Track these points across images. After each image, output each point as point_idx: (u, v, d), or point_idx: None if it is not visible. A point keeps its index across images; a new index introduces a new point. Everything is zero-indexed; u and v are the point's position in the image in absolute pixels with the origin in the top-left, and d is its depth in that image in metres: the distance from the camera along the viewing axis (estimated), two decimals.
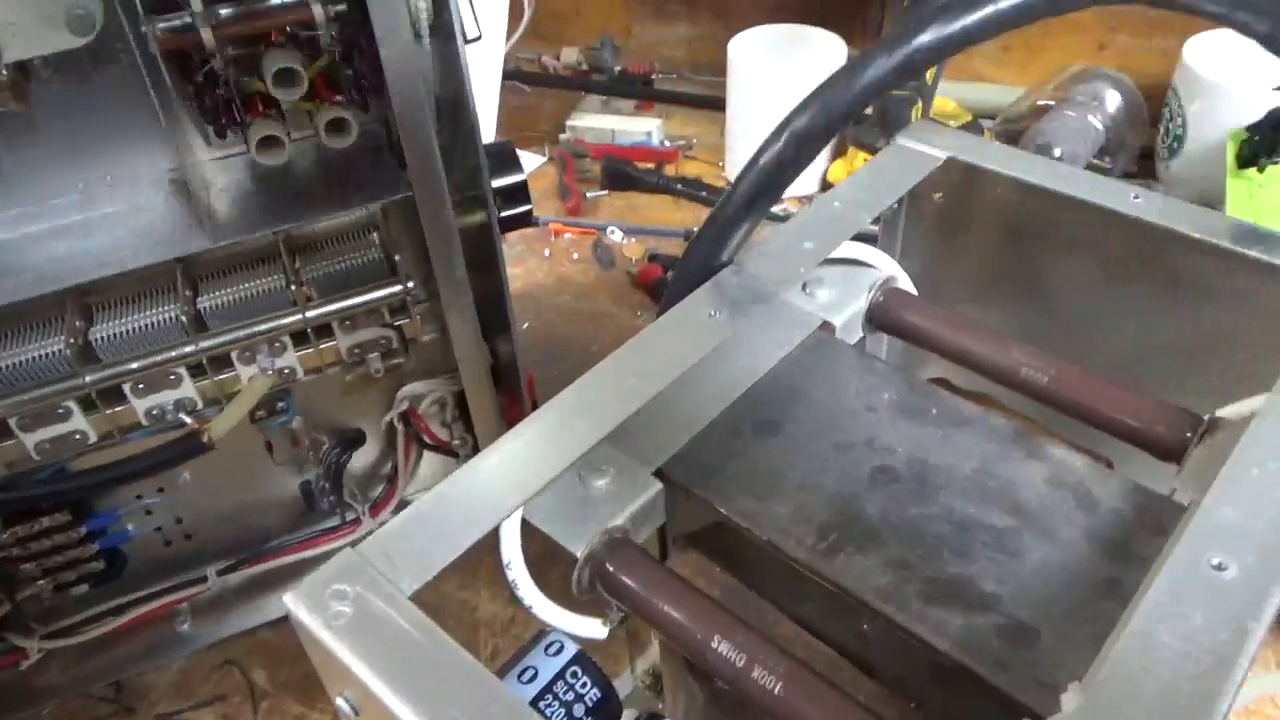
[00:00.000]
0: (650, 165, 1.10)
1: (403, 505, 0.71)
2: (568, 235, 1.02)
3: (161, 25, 0.44)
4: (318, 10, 0.46)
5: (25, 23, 0.43)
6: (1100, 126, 0.97)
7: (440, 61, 0.53)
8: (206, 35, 0.44)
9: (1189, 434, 0.39)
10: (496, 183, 0.59)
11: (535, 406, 0.70)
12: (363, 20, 0.47)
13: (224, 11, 0.44)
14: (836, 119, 0.41)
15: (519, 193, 0.62)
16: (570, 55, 1.33)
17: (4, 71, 0.44)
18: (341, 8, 0.47)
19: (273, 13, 0.45)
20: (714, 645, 0.33)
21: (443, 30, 0.51)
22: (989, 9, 0.40)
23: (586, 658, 0.34)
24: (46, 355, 0.51)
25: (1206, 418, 0.39)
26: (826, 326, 0.46)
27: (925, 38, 0.40)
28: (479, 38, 0.56)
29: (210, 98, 0.48)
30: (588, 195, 1.08)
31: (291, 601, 0.32)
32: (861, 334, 0.48)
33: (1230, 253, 0.44)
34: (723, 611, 0.34)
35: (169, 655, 0.65)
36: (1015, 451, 0.39)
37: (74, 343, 0.51)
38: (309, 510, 0.70)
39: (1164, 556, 0.31)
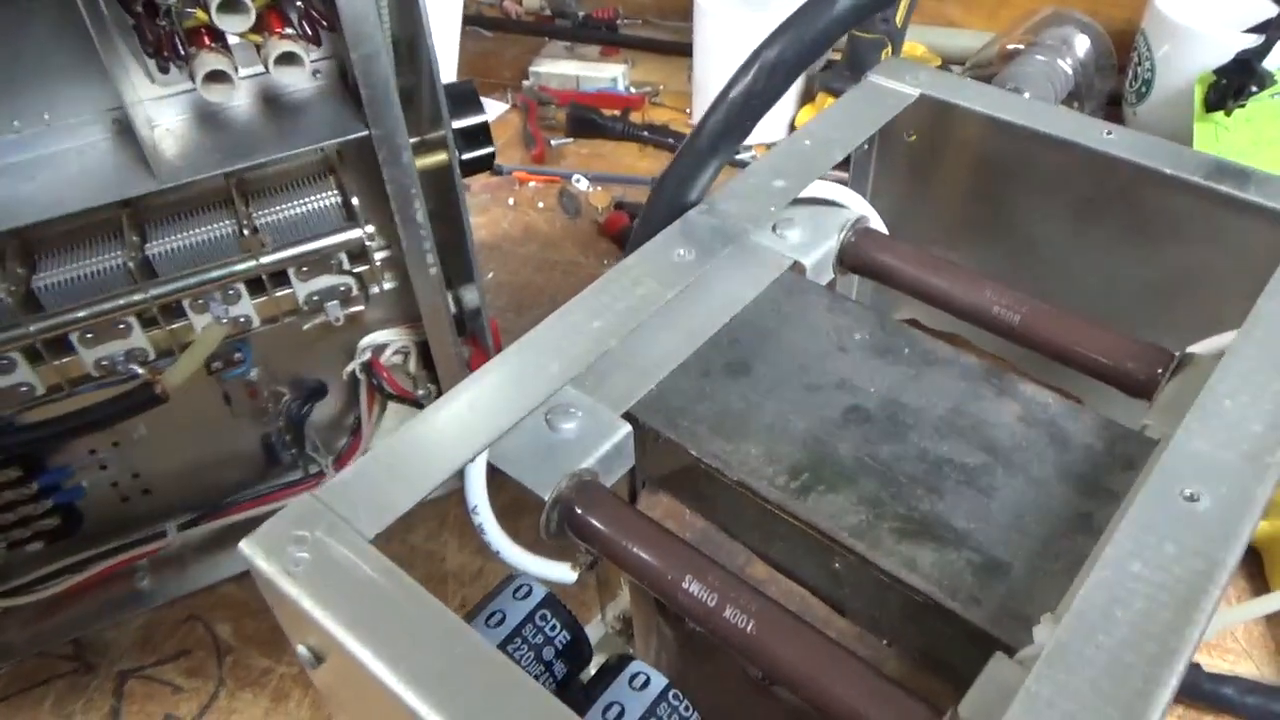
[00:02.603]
0: (616, 112, 1.08)
1: None
2: (533, 184, 1.00)
3: None
4: None
5: None
6: (1069, 71, 0.96)
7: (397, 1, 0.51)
8: None
9: (1160, 370, 0.38)
10: (457, 124, 0.57)
11: None
12: None
13: None
14: (808, 50, 0.40)
15: (481, 134, 0.60)
16: None
17: None
18: None
19: None
20: (685, 586, 0.32)
21: None
22: None
23: (555, 600, 0.34)
24: None
25: (1177, 354, 0.39)
26: (797, 267, 0.45)
27: None
28: None
29: (151, 30, 0.45)
30: (552, 143, 1.06)
31: (249, 548, 0.31)
32: (833, 275, 0.48)
33: (1201, 188, 0.44)
34: (694, 552, 0.33)
35: (130, 612, 0.64)
36: (987, 390, 0.39)
37: (15, 290, 0.49)
38: (271, 464, 0.68)
39: (1136, 489, 0.31)
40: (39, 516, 0.60)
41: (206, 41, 0.47)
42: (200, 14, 0.46)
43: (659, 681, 0.31)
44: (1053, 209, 0.50)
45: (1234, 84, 0.79)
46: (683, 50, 1.15)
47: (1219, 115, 0.81)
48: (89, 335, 0.52)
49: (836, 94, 0.99)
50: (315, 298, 0.57)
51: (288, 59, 0.47)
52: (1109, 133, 0.47)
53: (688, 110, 1.11)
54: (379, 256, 0.58)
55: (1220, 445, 0.31)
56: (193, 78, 0.46)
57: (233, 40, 0.48)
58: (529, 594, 0.33)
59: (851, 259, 0.47)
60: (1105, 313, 0.43)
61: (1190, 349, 0.39)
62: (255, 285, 0.55)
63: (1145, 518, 0.29)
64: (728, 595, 0.31)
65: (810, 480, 0.36)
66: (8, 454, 0.55)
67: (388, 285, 0.61)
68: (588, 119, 1.06)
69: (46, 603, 0.62)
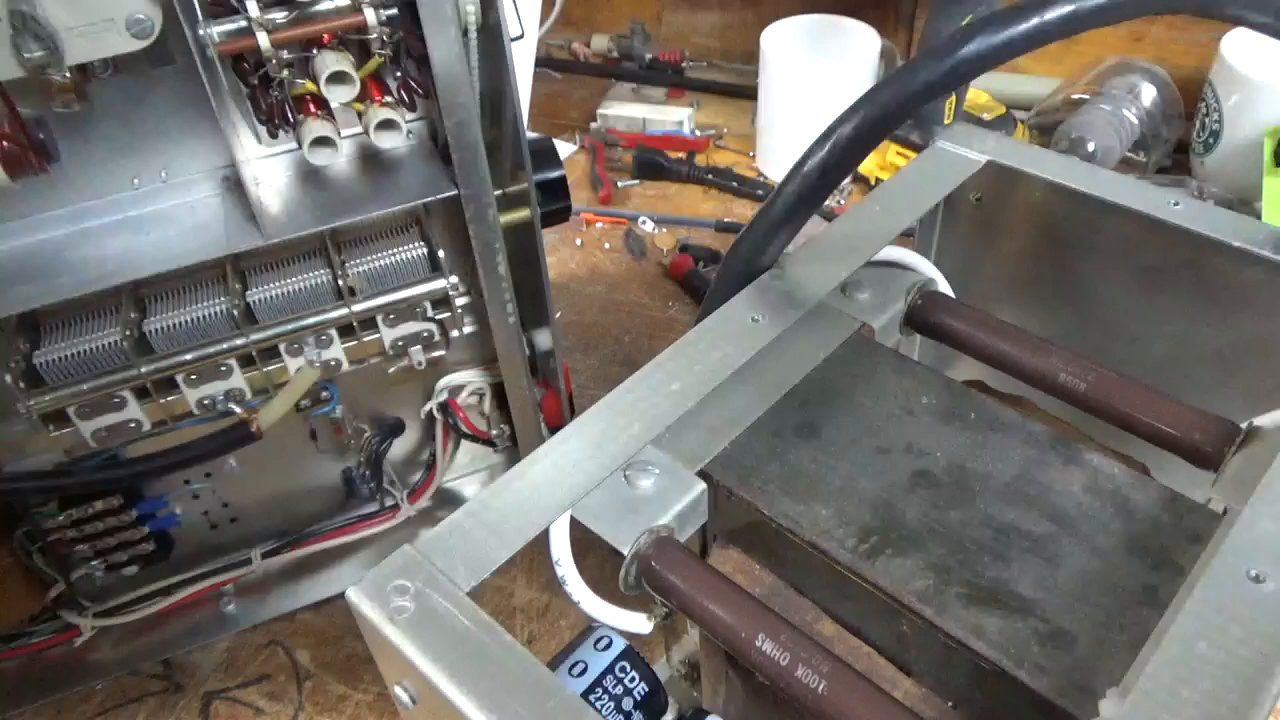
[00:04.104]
0: (681, 155, 1.10)
1: (440, 493, 0.72)
2: (599, 225, 1.03)
3: (219, 29, 0.45)
4: (370, 15, 0.47)
5: (86, 27, 0.44)
6: (1135, 120, 0.96)
7: (485, 60, 0.54)
8: (263, 39, 0.45)
9: (1226, 443, 0.39)
10: (536, 178, 0.60)
11: (571, 399, 0.71)
12: (413, 23, 0.48)
13: (279, 17, 0.45)
14: (880, 128, 0.42)
15: (558, 189, 0.63)
16: (600, 42, 1.33)
17: (66, 74, 0.45)
18: (393, 12, 0.48)
19: (327, 17, 0.46)
20: (758, 644, 0.34)
21: (489, 29, 0.52)
22: (1034, 21, 0.40)
23: (634, 653, 0.36)
24: (103, 347, 0.53)
25: (1244, 426, 0.39)
26: (866, 329, 0.47)
27: (972, 48, 0.40)
28: (521, 36, 0.57)
29: (264, 99, 0.49)
30: (619, 184, 1.09)
31: (355, 595, 0.33)
32: (899, 336, 0.49)
33: (1270, 261, 0.45)
34: (767, 611, 0.35)
35: (215, 634, 0.67)
36: (1053, 458, 0.40)
37: (130, 335, 0.53)
38: (349, 496, 0.71)
39: (1202, 567, 0.32)
40: (136, 542, 0.64)
41: (313, 109, 0.50)
42: (308, 84, 0.49)
43: None
44: (1118, 275, 0.51)
45: None
46: (747, 93, 1.17)
47: None
48: (193, 376, 0.55)
49: (900, 140, 1.00)
50: (400, 343, 0.60)
51: (387, 125, 0.50)
52: (1176, 203, 0.48)
53: (751, 153, 1.13)
54: (460, 303, 0.61)
55: None
56: (299, 142, 0.50)
57: (333, 104, 0.52)
58: (609, 645, 0.35)
59: (919, 321, 0.48)
60: (1169, 380, 0.43)
61: (1257, 421, 0.39)
62: (345, 330, 0.59)
63: (1211, 597, 0.30)
64: (800, 655, 0.33)
65: (879, 543, 0.37)
66: (116, 486, 0.59)
67: (466, 330, 0.63)
68: (654, 161, 1.09)
69: (139, 623, 0.66)
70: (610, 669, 0.34)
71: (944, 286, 0.50)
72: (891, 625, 0.36)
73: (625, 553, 0.37)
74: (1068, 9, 0.39)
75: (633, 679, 0.34)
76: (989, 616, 0.34)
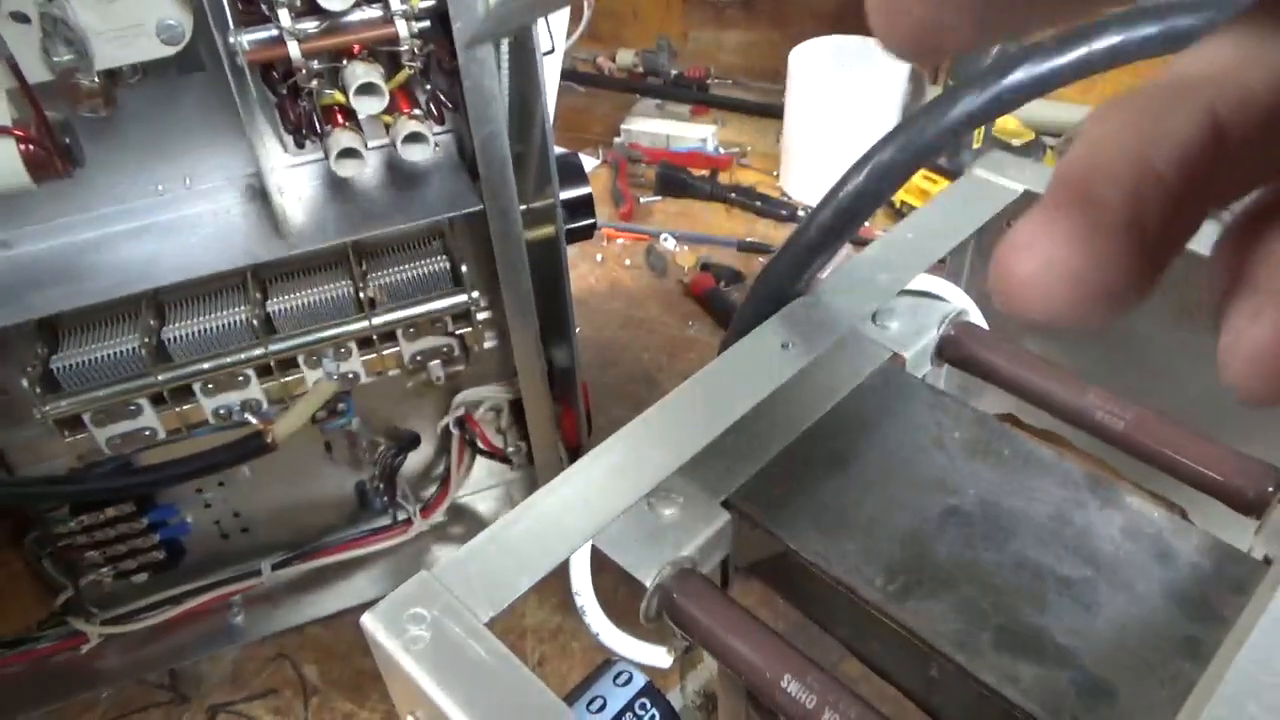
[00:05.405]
0: (704, 172, 1.10)
1: (454, 508, 0.71)
2: (620, 240, 1.03)
3: (249, 38, 0.45)
4: (402, 26, 0.46)
5: (117, 32, 0.44)
6: None
7: (516, 74, 0.53)
8: (293, 48, 0.45)
9: (1270, 489, 0.38)
10: (563, 194, 0.60)
11: (589, 416, 0.70)
12: (444, 35, 0.48)
13: (311, 26, 0.45)
14: (919, 155, 0.41)
15: (584, 206, 0.62)
16: (626, 57, 1.33)
17: (95, 79, 0.45)
18: (425, 24, 0.47)
19: (358, 28, 0.46)
20: (783, 685, 0.33)
21: (520, 43, 0.51)
22: (1081, 51, 0.39)
23: (655, 689, 0.35)
24: (121, 353, 0.52)
25: None
26: (897, 359, 0.45)
27: (1015, 78, 0.39)
28: (551, 51, 0.56)
29: (292, 109, 0.48)
30: (641, 200, 1.08)
31: (369, 622, 0.32)
32: (930, 366, 0.48)
33: None
34: (793, 650, 0.34)
35: (222, 646, 0.66)
36: (1090, 499, 0.39)
37: (148, 342, 0.52)
38: (362, 509, 0.71)
39: (1250, 620, 0.31)
40: (147, 549, 0.63)
41: (340, 120, 0.49)
42: (337, 94, 0.49)
43: None
44: (1156, 310, 0.50)
45: None
46: (772, 112, 1.16)
47: None
48: (210, 385, 0.55)
49: (931, 165, 0.99)
50: (420, 357, 0.59)
51: (415, 138, 0.50)
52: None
53: (775, 173, 1.12)
54: (481, 318, 0.61)
55: None
56: (326, 153, 0.49)
57: (361, 116, 0.51)
58: (629, 681, 0.34)
59: (950, 352, 0.47)
60: (1210, 420, 0.42)
61: None
62: (364, 342, 0.58)
63: (1261, 655, 0.29)
64: (827, 698, 0.32)
65: (909, 583, 0.36)
66: (130, 495, 0.58)
67: (487, 345, 0.63)
68: (677, 178, 1.08)
69: (146, 632, 0.65)
70: (630, 706, 0.33)
71: (977, 317, 0.49)
72: (921, 668, 0.35)
73: (647, 584, 0.36)
74: (1116, 40, 0.38)
75: (652, 717, 0.33)
76: (1024, 664, 0.33)
